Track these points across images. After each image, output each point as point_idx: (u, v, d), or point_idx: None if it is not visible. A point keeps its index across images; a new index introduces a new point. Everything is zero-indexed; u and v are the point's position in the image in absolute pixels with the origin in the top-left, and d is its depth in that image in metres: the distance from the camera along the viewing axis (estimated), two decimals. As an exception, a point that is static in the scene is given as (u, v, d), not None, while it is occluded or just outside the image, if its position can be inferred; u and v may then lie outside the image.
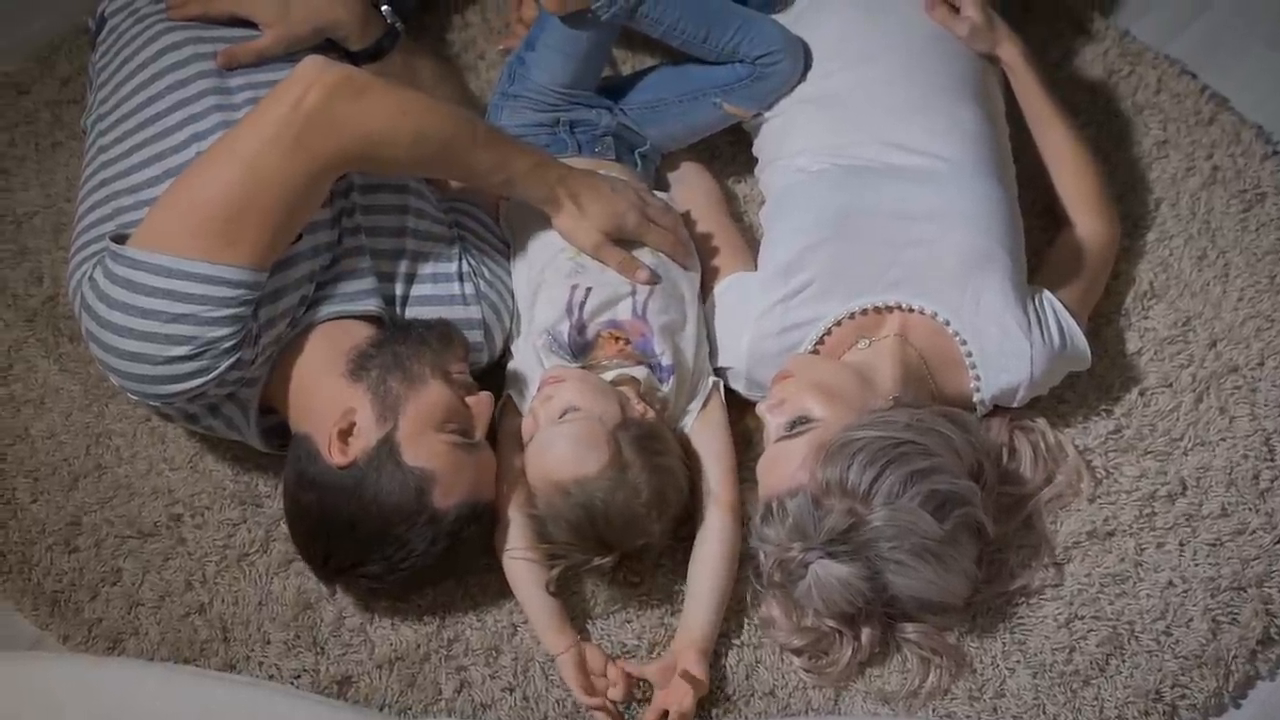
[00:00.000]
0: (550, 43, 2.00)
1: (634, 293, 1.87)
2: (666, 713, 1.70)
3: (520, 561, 1.77)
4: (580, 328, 1.85)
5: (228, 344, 1.64)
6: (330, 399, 1.71)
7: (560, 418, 1.74)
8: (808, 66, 2.03)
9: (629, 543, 1.74)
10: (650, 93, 2.09)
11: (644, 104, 2.08)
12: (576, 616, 1.80)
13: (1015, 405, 1.88)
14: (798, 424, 1.74)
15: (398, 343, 1.75)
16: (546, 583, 1.75)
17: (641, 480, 1.71)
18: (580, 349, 1.84)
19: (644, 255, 1.90)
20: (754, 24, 2.01)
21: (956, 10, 2.02)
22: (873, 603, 1.68)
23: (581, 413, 1.74)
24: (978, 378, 1.84)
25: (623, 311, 1.87)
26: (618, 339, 1.85)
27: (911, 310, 1.83)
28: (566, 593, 1.80)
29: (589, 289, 1.86)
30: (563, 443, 1.73)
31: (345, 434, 1.69)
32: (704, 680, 1.71)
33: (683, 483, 1.78)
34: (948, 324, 1.82)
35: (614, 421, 1.74)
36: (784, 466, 1.72)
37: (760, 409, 1.81)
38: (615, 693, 1.71)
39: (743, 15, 2.01)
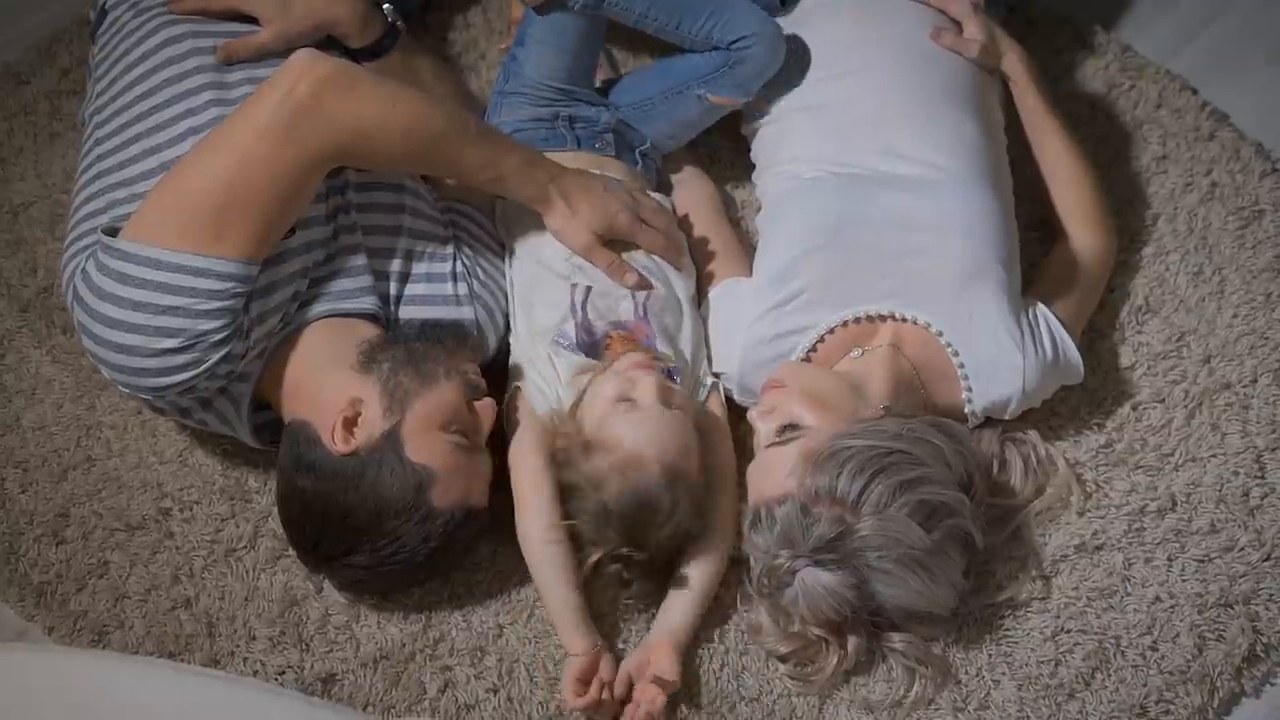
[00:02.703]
0: (537, 36, 2.01)
1: (633, 292, 1.88)
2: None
3: (548, 552, 1.73)
4: (587, 328, 1.85)
5: (218, 337, 1.64)
6: (336, 389, 1.71)
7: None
8: (806, 67, 2.02)
9: (668, 548, 1.74)
10: (637, 92, 2.08)
11: (633, 103, 2.07)
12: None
13: (1007, 418, 1.88)
14: (787, 430, 1.74)
15: (412, 339, 1.76)
16: (583, 568, 1.72)
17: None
18: (590, 349, 1.84)
19: (638, 256, 1.90)
20: (726, 9, 1.99)
21: (959, 30, 2.03)
22: (859, 611, 1.68)
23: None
24: (969, 389, 1.83)
25: (625, 312, 1.87)
26: (626, 339, 1.85)
27: (905, 320, 1.83)
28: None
29: (589, 287, 1.87)
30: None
31: (350, 423, 1.69)
32: (674, 680, 1.70)
33: None
34: (940, 335, 1.82)
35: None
36: (773, 473, 1.72)
37: (751, 415, 1.81)
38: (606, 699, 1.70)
39: (715, 1, 2.00)
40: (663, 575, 1.78)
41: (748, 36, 1.98)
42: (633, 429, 1.71)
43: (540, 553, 1.74)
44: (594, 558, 1.71)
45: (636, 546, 1.71)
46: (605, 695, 1.69)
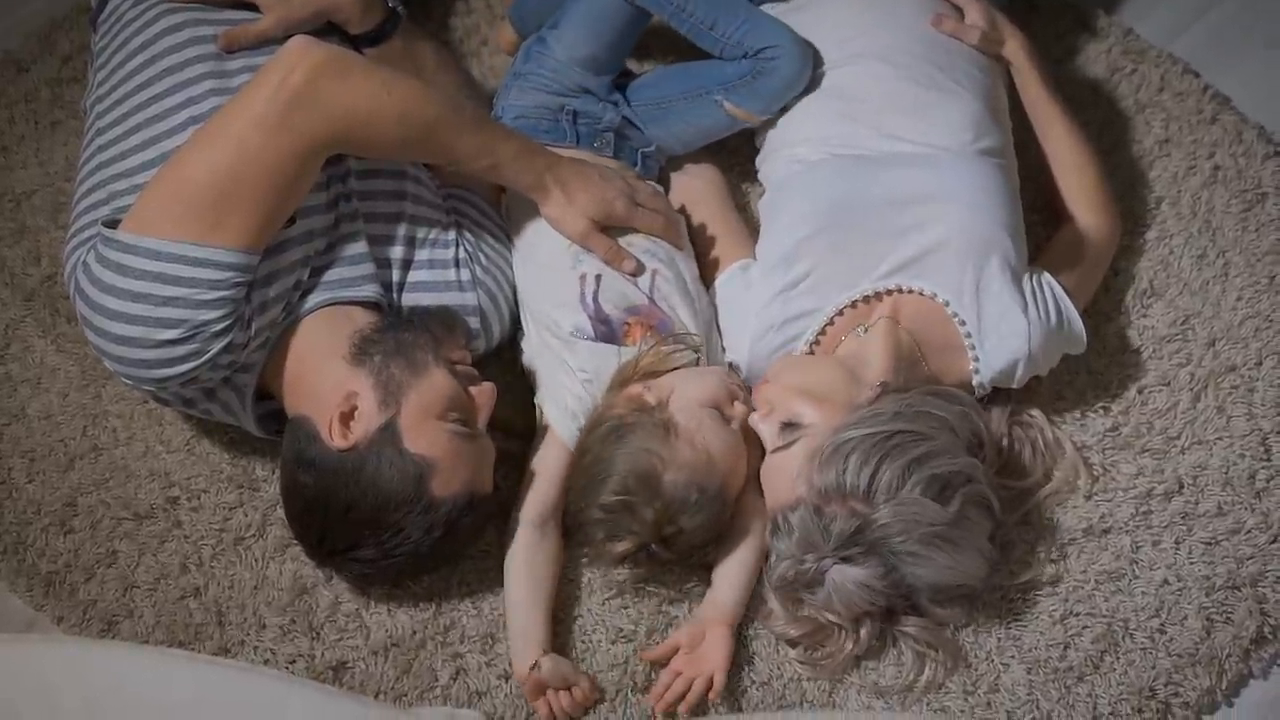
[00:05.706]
0: (576, 19, 2.01)
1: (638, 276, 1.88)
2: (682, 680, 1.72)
3: (523, 574, 1.76)
4: (602, 318, 1.85)
5: (218, 327, 1.64)
6: (332, 382, 1.71)
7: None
8: (816, 69, 2.02)
9: (683, 545, 1.75)
10: (656, 90, 2.08)
11: (650, 101, 2.06)
12: (569, 603, 1.81)
13: (1015, 386, 1.87)
14: (788, 430, 1.74)
15: (400, 329, 1.75)
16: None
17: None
18: (607, 339, 1.84)
19: (638, 240, 1.90)
20: (761, 19, 2.00)
21: (961, 16, 2.02)
22: (893, 598, 1.69)
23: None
24: (976, 359, 1.83)
25: (636, 296, 1.87)
26: (646, 325, 1.85)
27: (909, 291, 1.83)
28: (563, 580, 1.80)
29: (598, 275, 1.87)
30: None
31: (347, 417, 1.69)
32: (727, 659, 1.72)
33: None
34: (947, 305, 1.82)
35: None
36: (782, 479, 1.72)
37: (753, 419, 1.79)
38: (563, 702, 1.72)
39: (751, 10, 2.01)
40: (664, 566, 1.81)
41: (776, 47, 1.98)
42: (720, 441, 1.75)
43: (522, 545, 1.78)
44: (622, 546, 1.73)
45: (662, 527, 1.71)
46: (565, 702, 1.72)
